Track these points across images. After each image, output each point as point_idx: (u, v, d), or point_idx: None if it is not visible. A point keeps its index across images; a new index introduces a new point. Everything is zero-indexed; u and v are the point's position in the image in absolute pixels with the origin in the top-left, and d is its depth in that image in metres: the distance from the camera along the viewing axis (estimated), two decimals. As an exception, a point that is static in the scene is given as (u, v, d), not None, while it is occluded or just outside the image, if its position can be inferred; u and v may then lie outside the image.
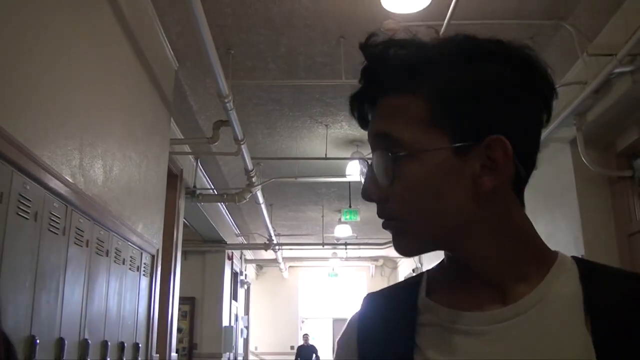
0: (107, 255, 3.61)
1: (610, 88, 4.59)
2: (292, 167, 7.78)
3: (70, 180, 3.08)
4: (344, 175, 7.40)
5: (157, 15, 4.63)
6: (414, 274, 0.94)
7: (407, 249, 0.81)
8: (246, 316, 13.49)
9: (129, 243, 4.06)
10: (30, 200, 2.62)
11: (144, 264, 4.44)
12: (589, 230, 5.37)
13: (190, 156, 7.05)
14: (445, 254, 0.86)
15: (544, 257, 0.81)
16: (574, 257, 0.83)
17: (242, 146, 5.81)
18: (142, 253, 4.37)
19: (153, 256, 4.67)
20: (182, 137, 6.53)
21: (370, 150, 0.84)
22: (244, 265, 12.58)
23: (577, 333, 0.75)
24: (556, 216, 6.04)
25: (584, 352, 0.73)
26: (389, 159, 0.77)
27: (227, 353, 10.38)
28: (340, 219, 10.25)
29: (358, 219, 9.18)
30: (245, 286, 13.30)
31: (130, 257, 4.08)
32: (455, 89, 0.76)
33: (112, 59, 3.83)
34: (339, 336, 0.95)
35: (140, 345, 4.30)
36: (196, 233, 9.37)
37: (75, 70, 3.22)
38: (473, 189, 0.76)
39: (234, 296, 11.59)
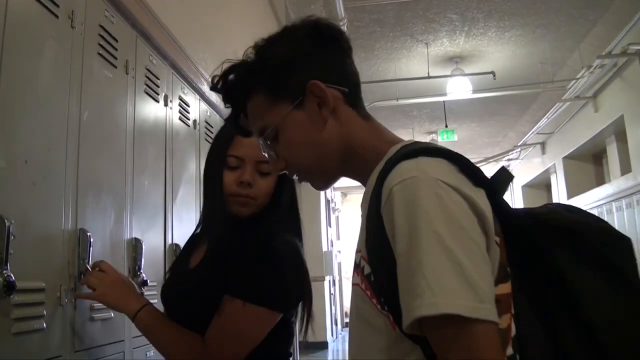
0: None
1: None
2: (389, 90, 7.77)
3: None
4: (444, 94, 7.35)
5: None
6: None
7: (320, 186, 1.11)
8: (338, 241, 13.82)
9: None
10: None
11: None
12: None
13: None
14: None
15: (380, 153, 1.02)
16: (402, 146, 1.02)
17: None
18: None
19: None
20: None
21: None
22: (332, 192, 12.81)
23: (365, 210, 0.97)
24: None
25: (363, 225, 0.97)
26: (268, 143, 1.08)
27: (328, 276, 10.73)
28: (432, 140, 10.24)
29: (455, 138, 9.15)
30: (336, 213, 13.58)
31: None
32: (272, 75, 1.06)
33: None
34: None
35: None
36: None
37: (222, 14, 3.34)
38: (322, 121, 1.04)
39: (329, 223, 11.87)
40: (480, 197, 0.88)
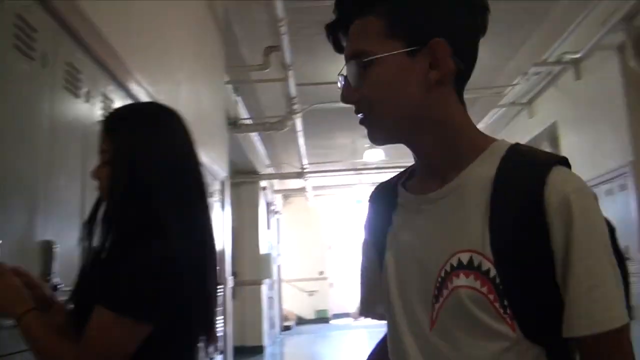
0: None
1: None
2: (331, 93, 7.71)
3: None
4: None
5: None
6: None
7: (376, 137, 1.02)
8: (278, 245, 13.74)
9: (206, 169, 4.13)
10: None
11: (217, 190, 4.54)
12: (638, 136, 5.41)
13: (228, 87, 7.03)
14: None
15: (478, 146, 1.00)
16: (513, 144, 0.99)
17: (290, 72, 5.80)
18: (214, 180, 4.46)
19: (222, 182, 4.76)
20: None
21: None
22: (273, 195, 12.74)
23: (482, 208, 0.93)
24: (601, 126, 6.07)
25: (483, 222, 0.92)
26: (358, 67, 0.97)
27: (267, 279, 10.64)
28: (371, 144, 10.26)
29: (395, 141, 9.18)
30: (276, 216, 13.50)
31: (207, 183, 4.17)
32: (403, 7, 0.97)
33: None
34: None
35: (218, 268, 4.45)
36: (231, 164, 9.43)
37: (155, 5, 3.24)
38: (424, 82, 0.96)
39: (268, 226, 11.78)
40: None
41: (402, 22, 0.97)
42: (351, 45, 1.00)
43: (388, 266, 1.05)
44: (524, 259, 0.89)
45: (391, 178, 1.18)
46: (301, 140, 8.82)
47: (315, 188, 14.15)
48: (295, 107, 6.96)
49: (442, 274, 0.94)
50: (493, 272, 0.90)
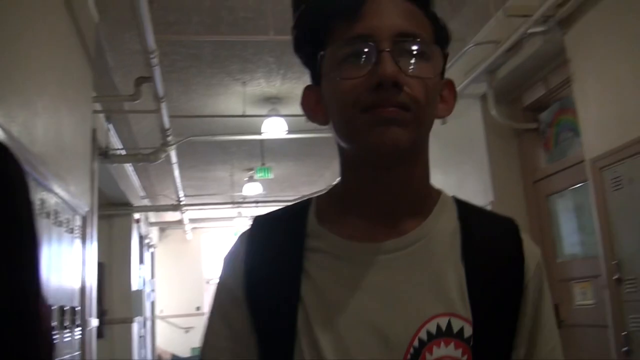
0: (48, 217, 3.48)
1: (522, 47, 4.86)
2: (206, 126, 7.67)
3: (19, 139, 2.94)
4: (259, 133, 7.39)
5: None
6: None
7: (403, 139, 0.82)
8: (152, 280, 13.29)
9: (65, 203, 3.92)
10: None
11: (77, 225, 4.31)
12: (497, 179, 5.75)
13: (100, 115, 6.77)
14: (343, 186, 0.94)
15: (431, 194, 0.94)
16: (453, 197, 0.97)
17: (162, 104, 5.67)
18: (75, 215, 4.24)
19: (84, 217, 4.53)
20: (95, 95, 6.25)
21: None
22: (148, 228, 12.34)
23: (453, 266, 0.86)
24: (466, 168, 6.39)
25: (458, 282, 0.85)
26: (415, 51, 0.83)
27: (138, 317, 10.23)
28: (251, 177, 10.25)
29: (271, 176, 9.23)
30: (151, 249, 13.07)
31: (66, 218, 3.95)
32: (444, 29, 0.91)
33: (42, 13, 3.64)
34: (227, 253, 0.95)
35: (77, 309, 4.21)
36: (101, 195, 9.05)
37: (14, 26, 3.05)
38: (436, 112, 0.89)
39: (141, 260, 11.37)
40: None
41: (443, 37, 0.90)
42: (406, 24, 0.83)
43: (317, 332, 0.82)
44: (500, 320, 0.85)
45: (281, 212, 0.98)
46: (177, 173, 8.64)
47: (193, 221, 13.89)
48: (170, 139, 6.79)
49: (416, 344, 0.80)
50: (468, 333, 0.82)
